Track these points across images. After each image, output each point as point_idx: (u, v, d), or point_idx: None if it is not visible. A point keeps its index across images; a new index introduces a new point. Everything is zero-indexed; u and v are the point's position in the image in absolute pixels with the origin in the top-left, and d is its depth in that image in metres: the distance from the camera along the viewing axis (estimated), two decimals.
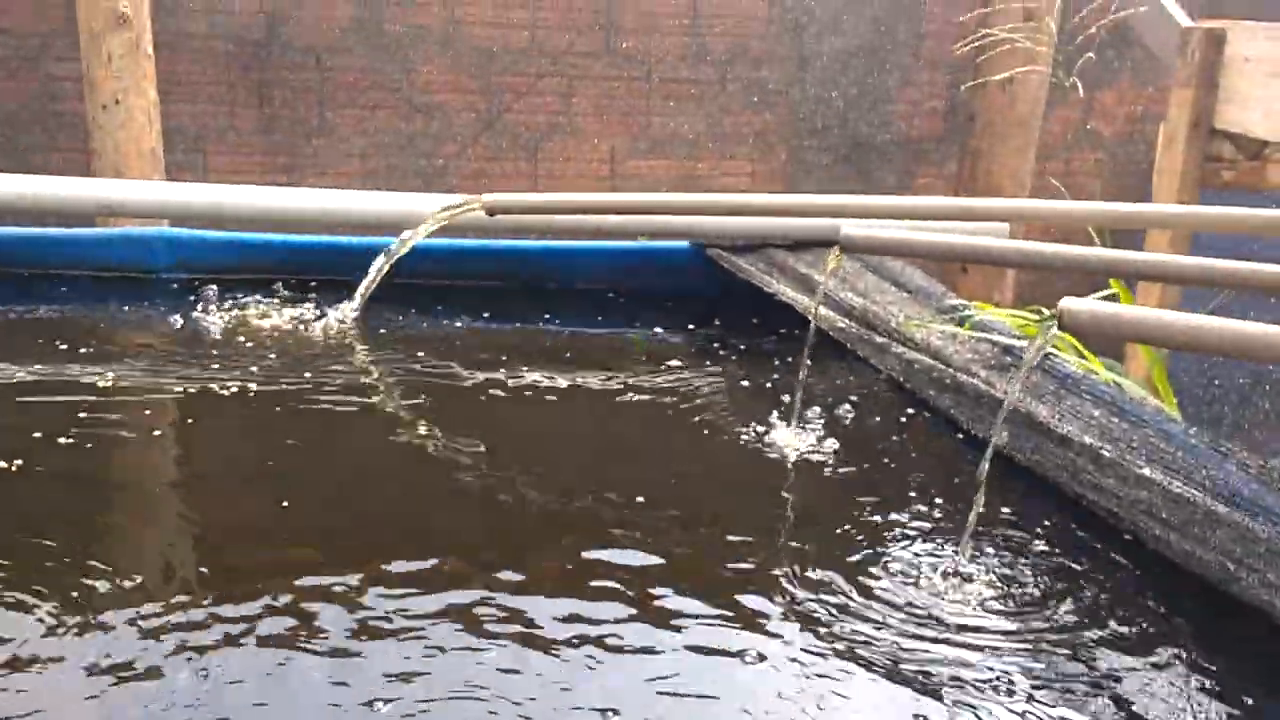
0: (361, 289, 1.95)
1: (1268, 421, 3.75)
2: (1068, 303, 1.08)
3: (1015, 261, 1.73)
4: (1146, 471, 1.21)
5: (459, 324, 2.03)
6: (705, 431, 1.65)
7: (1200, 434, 1.34)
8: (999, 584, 1.18)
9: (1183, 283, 1.69)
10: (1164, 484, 1.18)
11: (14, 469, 1.35)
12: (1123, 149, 5.09)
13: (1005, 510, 1.35)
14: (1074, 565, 1.22)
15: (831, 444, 1.56)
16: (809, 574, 1.20)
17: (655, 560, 1.22)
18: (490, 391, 1.72)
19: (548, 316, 2.08)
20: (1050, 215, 1.86)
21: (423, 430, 1.60)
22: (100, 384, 1.65)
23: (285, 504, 1.33)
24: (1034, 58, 3.21)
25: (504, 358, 1.85)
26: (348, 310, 1.96)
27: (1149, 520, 1.15)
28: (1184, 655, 1.04)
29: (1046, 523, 1.32)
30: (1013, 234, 2.07)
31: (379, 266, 1.94)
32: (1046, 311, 2.21)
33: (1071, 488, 1.30)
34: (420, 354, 1.85)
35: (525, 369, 1.81)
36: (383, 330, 1.96)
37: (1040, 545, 1.27)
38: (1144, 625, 1.10)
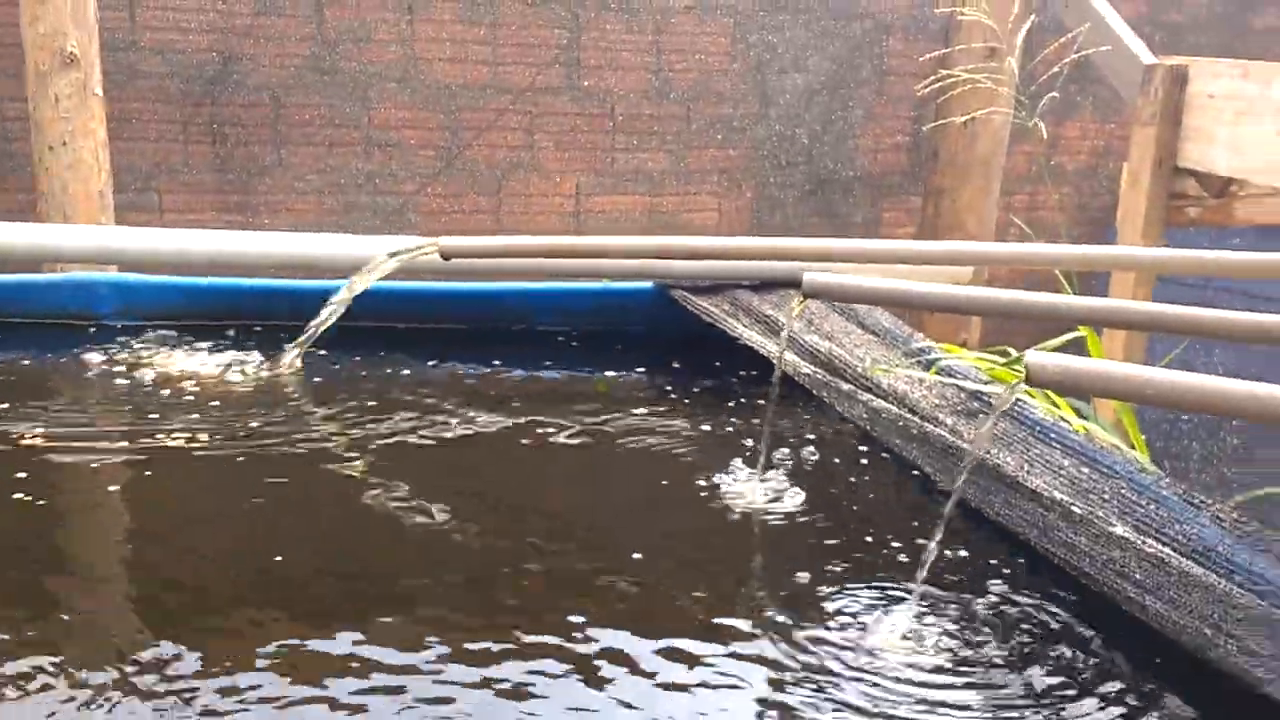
0: (312, 334, 1.89)
1: (1236, 456, 3.75)
2: (1033, 357, 1.04)
3: (980, 310, 1.70)
4: (1119, 529, 1.17)
5: (412, 369, 1.98)
6: (665, 481, 1.60)
7: (1173, 485, 1.31)
8: (966, 646, 1.13)
9: (1147, 329, 1.67)
10: (1136, 543, 1.13)
11: None
12: (1087, 183, 5.12)
13: (969, 560, 1.31)
14: (1050, 628, 1.17)
15: (797, 493, 1.51)
16: (775, 629, 1.16)
17: (618, 611, 1.19)
18: (444, 438, 1.67)
19: (498, 362, 2.03)
20: (1016, 259, 1.83)
21: (377, 479, 1.55)
22: (40, 436, 1.59)
23: (238, 561, 1.28)
24: (996, 97, 3.22)
25: (458, 403, 1.80)
26: (297, 355, 1.90)
27: (1122, 582, 1.11)
28: None
29: (1018, 579, 1.27)
30: (979, 274, 2.05)
31: (330, 311, 1.88)
32: (1013, 353, 2.19)
33: (1042, 544, 1.26)
34: (372, 401, 1.79)
35: (482, 414, 1.76)
36: (335, 376, 1.90)
37: (1011, 603, 1.22)
38: (1117, 693, 1.05)
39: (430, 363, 2.00)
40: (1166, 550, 1.11)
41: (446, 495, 1.50)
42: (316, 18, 4.33)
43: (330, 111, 4.41)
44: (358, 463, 1.61)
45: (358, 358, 1.97)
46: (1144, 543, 1.13)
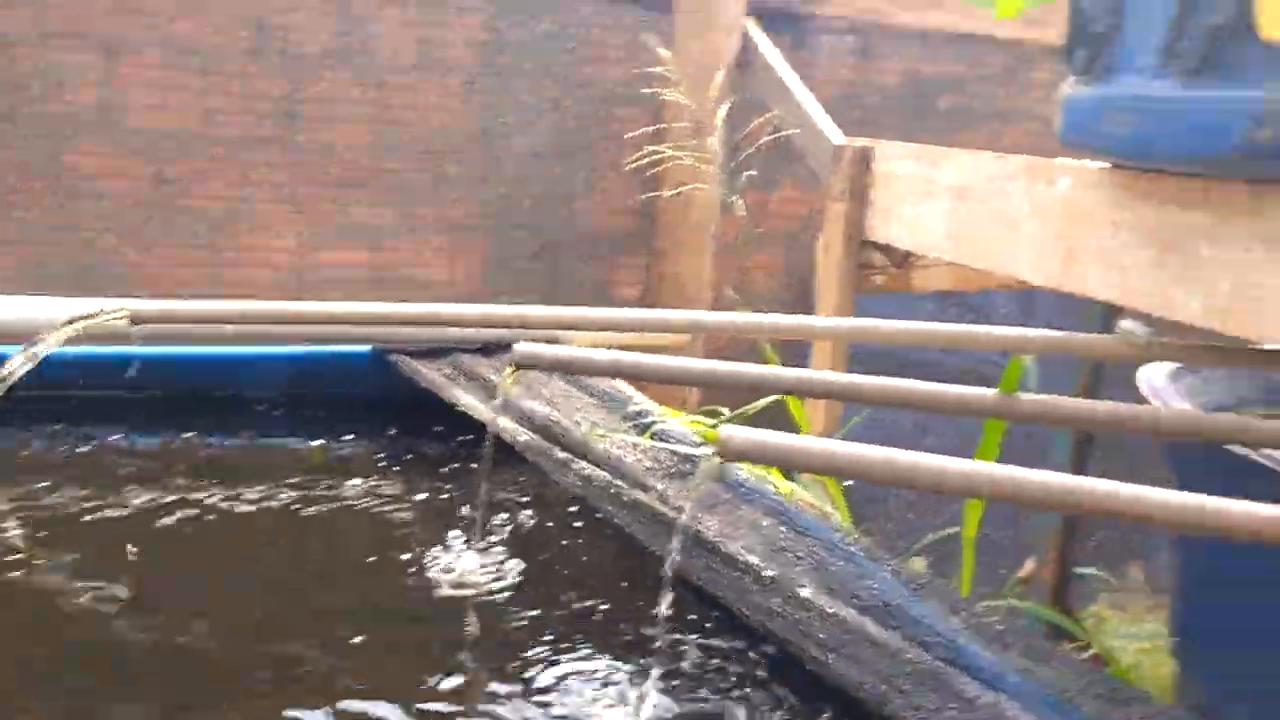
0: None
1: (921, 502, 4.08)
2: (725, 431, 1.09)
3: (690, 380, 1.78)
4: (808, 589, 1.24)
5: (95, 442, 1.83)
6: (373, 558, 1.56)
7: (859, 540, 1.40)
8: (673, 708, 1.16)
9: (844, 399, 1.80)
10: (821, 602, 1.20)
11: None
12: (794, 251, 5.45)
13: (674, 620, 1.35)
14: (745, 687, 1.22)
15: (514, 563, 1.51)
16: (491, 706, 1.15)
17: (321, 699, 1.14)
18: (131, 516, 1.55)
19: (193, 432, 1.91)
20: (723, 327, 1.93)
21: (52, 564, 1.41)
22: None
23: None
24: (700, 174, 3.42)
25: (147, 477, 1.68)
26: None
27: (806, 641, 1.17)
28: None
29: (719, 639, 1.32)
30: (695, 339, 2.13)
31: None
32: (726, 413, 2.29)
33: (739, 607, 1.31)
34: (49, 480, 1.64)
35: (174, 488, 1.65)
36: (4, 453, 1.73)
37: (712, 664, 1.26)
38: None
39: (116, 435, 1.86)
40: (845, 608, 1.18)
41: (131, 579, 1.39)
42: (2, 56, 3.97)
43: (16, 158, 4.03)
44: (28, 547, 1.47)
45: (29, 429, 1.81)
46: (828, 601, 1.20)
